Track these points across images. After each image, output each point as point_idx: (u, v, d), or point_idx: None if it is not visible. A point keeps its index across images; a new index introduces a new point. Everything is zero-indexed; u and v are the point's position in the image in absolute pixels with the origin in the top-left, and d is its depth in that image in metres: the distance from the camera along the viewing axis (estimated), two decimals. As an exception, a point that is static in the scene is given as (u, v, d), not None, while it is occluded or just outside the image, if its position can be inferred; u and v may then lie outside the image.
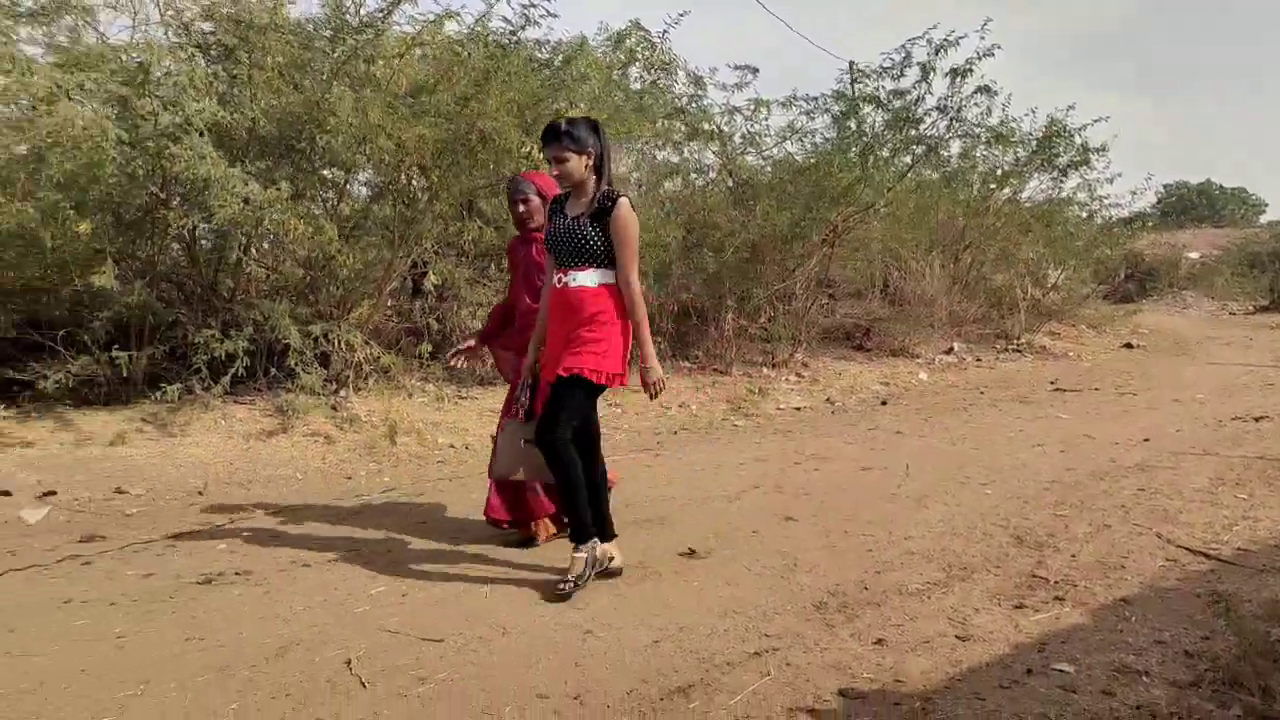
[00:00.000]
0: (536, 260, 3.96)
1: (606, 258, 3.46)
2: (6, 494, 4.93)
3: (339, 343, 6.55)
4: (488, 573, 3.72)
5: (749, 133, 10.09)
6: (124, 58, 5.84)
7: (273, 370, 6.70)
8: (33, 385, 5.89)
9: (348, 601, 3.39)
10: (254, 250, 6.60)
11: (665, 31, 8.96)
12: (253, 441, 6.04)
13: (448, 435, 6.46)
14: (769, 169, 10.38)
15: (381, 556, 3.98)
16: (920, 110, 10.26)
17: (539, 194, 4.03)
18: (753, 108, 9.76)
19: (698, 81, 9.82)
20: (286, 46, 6.20)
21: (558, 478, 3.49)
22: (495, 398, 7.38)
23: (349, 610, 3.30)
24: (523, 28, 6.57)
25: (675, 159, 10.20)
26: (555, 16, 6.74)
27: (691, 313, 9.78)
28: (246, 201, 5.54)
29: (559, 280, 3.51)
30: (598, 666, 2.82)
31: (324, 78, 6.14)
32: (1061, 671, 2.77)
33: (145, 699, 2.59)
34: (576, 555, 3.51)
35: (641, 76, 9.42)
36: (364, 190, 7.68)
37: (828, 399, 8.96)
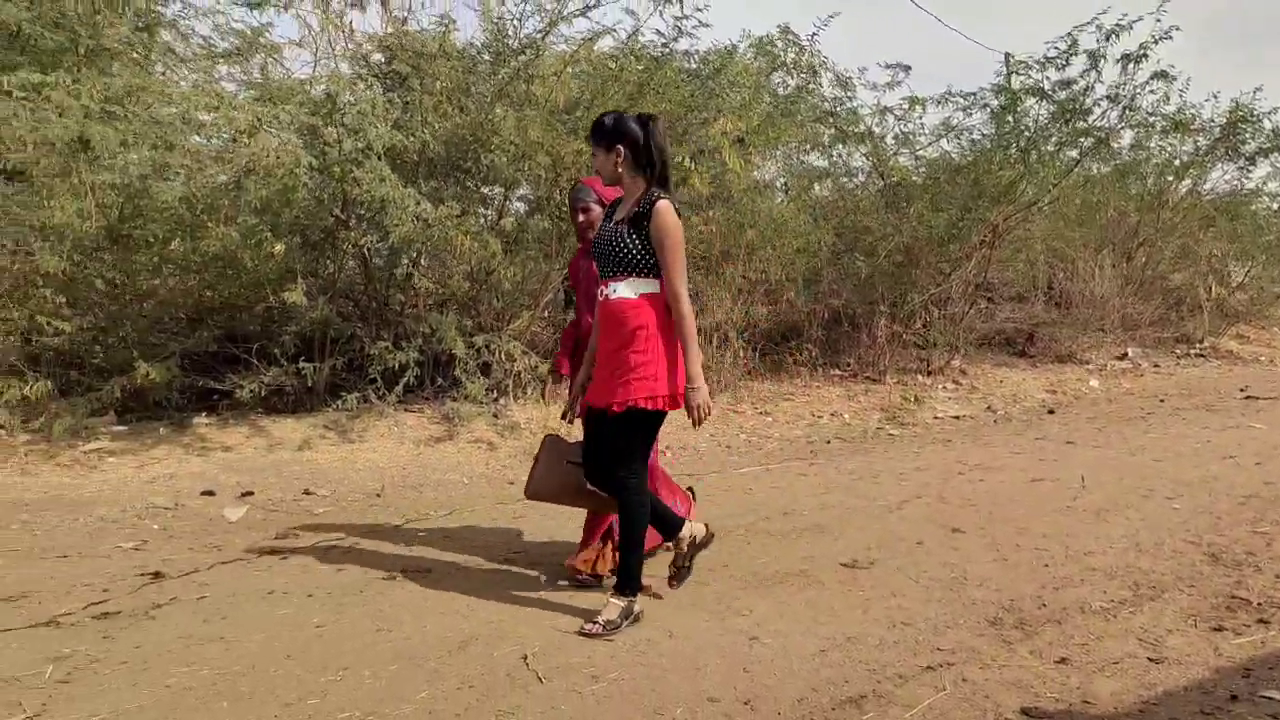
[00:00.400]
0: (597, 275, 3.62)
1: (646, 266, 3.20)
2: (210, 494, 5.42)
3: (499, 353, 6.83)
4: (647, 575, 3.79)
5: (902, 133, 9.83)
6: (310, 90, 6.34)
7: (439, 380, 7.07)
8: (230, 394, 6.45)
9: (519, 599, 3.54)
10: (422, 266, 6.97)
11: (814, 35, 8.87)
12: (422, 447, 6.39)
13: (603, 442, 6.62)
14: (923, 169, 10.07)
15: (547, 559, 4.12)
16: (1089, 100, 9.69)
17: (600, 202, 3.69)
18: (906, 106, 9.51)
19: (845, 83, 9.66)
20: (452, 72, 6.55)
21: (625, 521, 3.30)
22: (648, 405, 7.49)
23: (521, 608, 3.44)
24: (675, 39, 6.69)
25: (823, 163, 10.07)
26: (708, 27, 6.79)
27: (843, 319, 9.61)
28: (418, 220, 5.88)
29: (601, 293, 3.30)
30: (766, 673, 2.82)
31: (487, 100, 6.44)
32: (1271, 699, 2.56)
33: (344, 684, 2.79)
34: (614, 600, 3.25)
35: (784, 81, 9.35)
36: (520, 205, 8.00)
37: (989, 407, 8.59)
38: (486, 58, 6.99)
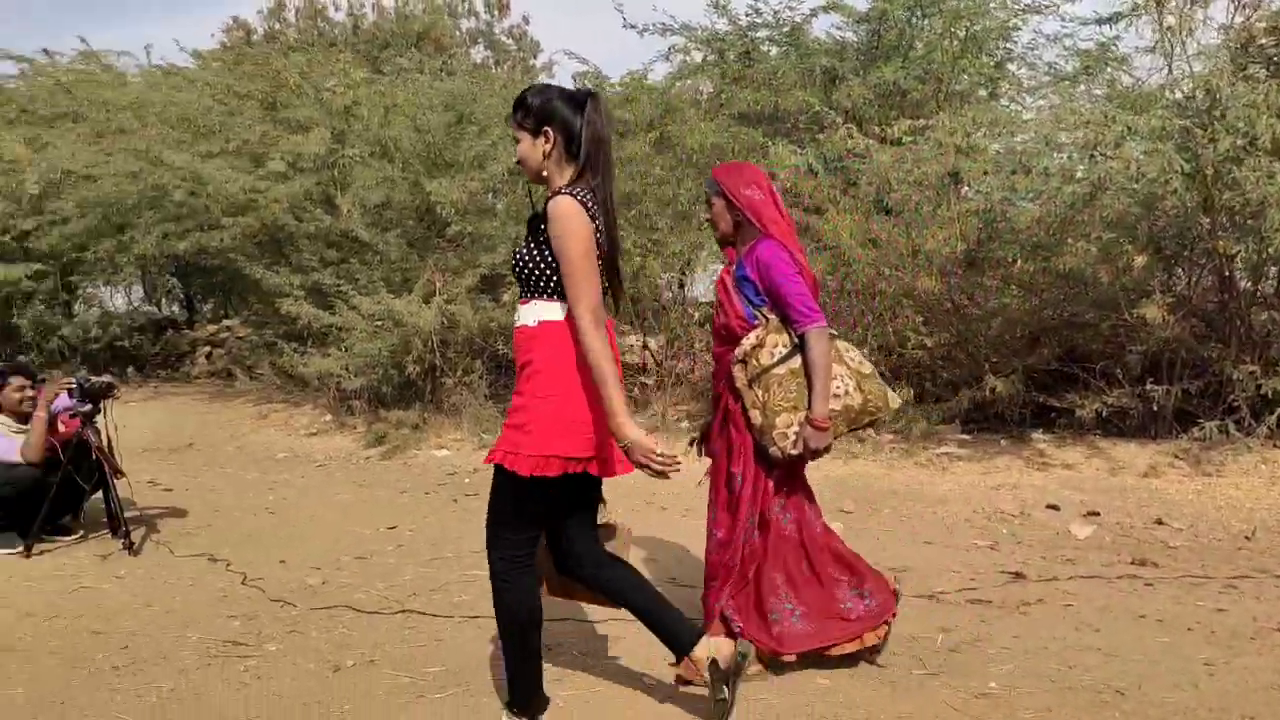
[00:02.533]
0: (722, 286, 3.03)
1: (549, 285, 2.45)
2: (1055, 508, 5.43)
3: None
4: None
5: None
6: (1170, 94, 5.90)
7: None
8: (1069, 413, 6.37)
9: None
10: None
11: None
12: (1307, 491, 5.35)
13: None
14: None
15: None
16: None
17: (723, 194, 2.96)
18: None
19: None
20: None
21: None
22: None
23: None
24: None
25: None
26: None
27: None
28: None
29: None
30: None
31: None
32: None
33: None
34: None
35: None
36: None
37: None
38: None
